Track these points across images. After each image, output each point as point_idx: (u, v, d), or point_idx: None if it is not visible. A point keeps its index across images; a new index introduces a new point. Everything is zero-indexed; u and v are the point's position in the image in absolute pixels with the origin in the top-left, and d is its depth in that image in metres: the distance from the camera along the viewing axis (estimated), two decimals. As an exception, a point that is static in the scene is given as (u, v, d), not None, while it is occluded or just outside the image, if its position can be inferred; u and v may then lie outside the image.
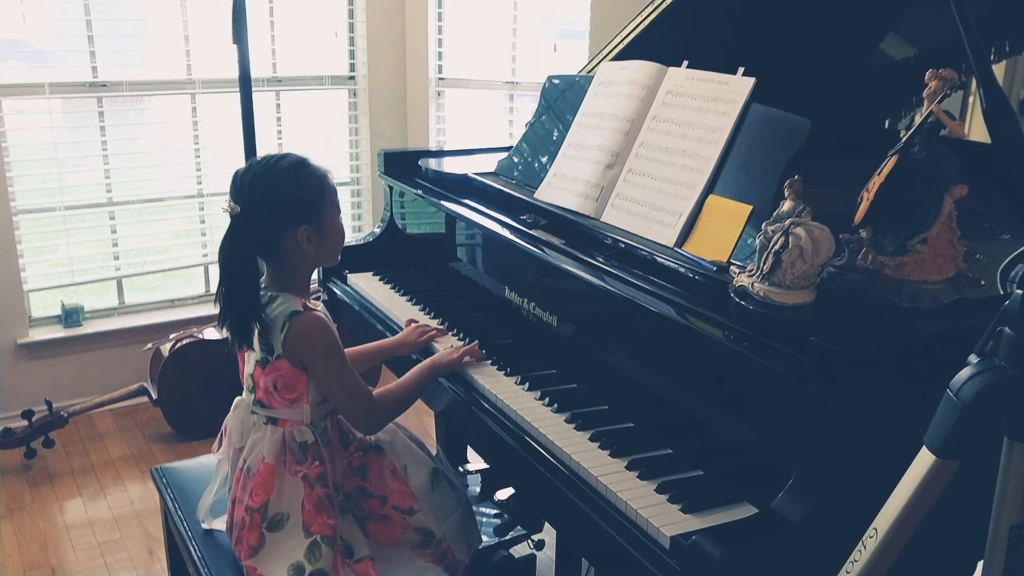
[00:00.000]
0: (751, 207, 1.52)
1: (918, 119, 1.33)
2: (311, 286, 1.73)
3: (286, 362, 1.54)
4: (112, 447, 3.21)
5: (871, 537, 0.89)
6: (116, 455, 3.16)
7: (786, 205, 1.33)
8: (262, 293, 1.56)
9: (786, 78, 1.71)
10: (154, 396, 3.19)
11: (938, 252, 1.30)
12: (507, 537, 2.23)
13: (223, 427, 1.69)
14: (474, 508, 2.19)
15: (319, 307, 1.62)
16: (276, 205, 1.55)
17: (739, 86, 1.64)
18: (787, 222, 1.30)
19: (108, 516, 2.79)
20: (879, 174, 1.32)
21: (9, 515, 2.78)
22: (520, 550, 2.27)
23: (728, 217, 1.56)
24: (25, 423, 3.02)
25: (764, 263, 1.31)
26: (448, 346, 1.83)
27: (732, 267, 1.46)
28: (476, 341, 1.80)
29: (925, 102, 1.32)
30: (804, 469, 1.19)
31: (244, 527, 1.56)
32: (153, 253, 3.60)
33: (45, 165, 3.37)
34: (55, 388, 3.26)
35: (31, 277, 3.35)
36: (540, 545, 2.27)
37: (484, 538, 1.93)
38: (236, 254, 1.54)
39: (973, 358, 0.83)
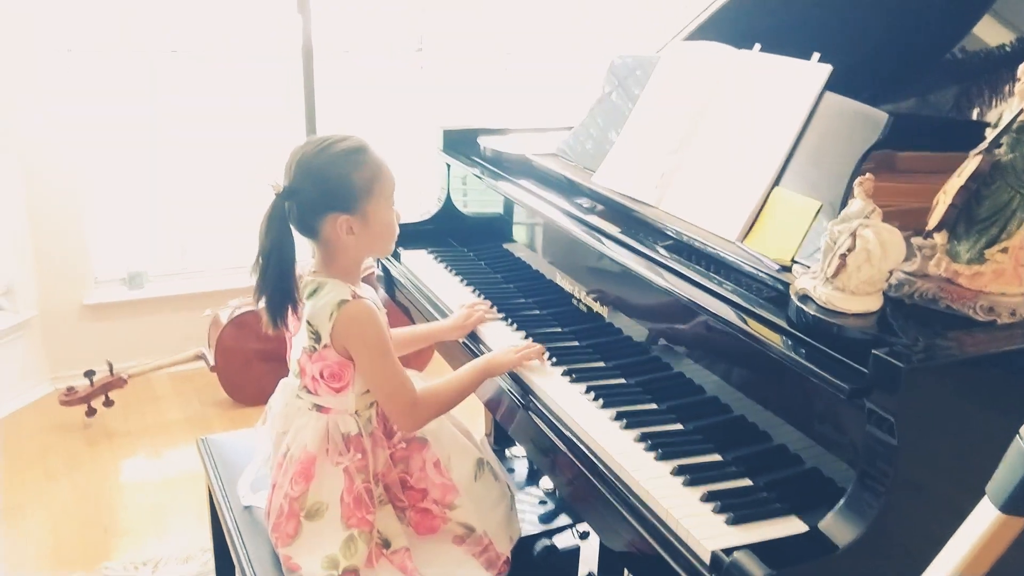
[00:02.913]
0: (820, 203, 1.43)
1: (1007, 116, 1.23)
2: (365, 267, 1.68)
3: (333, 351, 1.51)
4: (168, 410, 3.27)
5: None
6: (172, 418, 3.22)
7: (855, 204, 1.24)
8: (311, 278, 1.53)
9: (862, 62, 1.60)
10: (211, 362, 3.23)
11: (1020, 263, 1.20)
12: (551, 526, 2.19)
13: (268, 405, 1.68)
14: (519, 493, 2.16)
15: (370, 295, 1.59)
16: (319, 188, 1.50)
17: (813, 73, 1.55)
18: (855, 223, 1.22)
19: (161, 478, 2.84)
20: (958, 175, 1.22)
21: (68, 472, 2.85)
22: (564, 539, 2.23)
23: (794, 212, 1.47)
24: (87, 382, 3.09)
25: (828, 265, 1.23)
26: (497, 332, 1.78)
27: (796, 266, 1.38)
28: (542, 346, 1.71)
29: (1016, 98, 1.21)
30: (857, 489, 1.12)
31: (282, 514, 1.54)
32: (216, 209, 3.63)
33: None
34: (117, 349, 3.33)
35: (96, 237, 3.41)
36: (585, 535, 2.22)
37: (528, 526, 1.89)
38: (273, 231, 1.49)
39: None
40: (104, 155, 3.39)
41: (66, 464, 2.89)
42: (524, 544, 1.84)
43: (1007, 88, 2.21)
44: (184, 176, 3.53)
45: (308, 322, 1.52)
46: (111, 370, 3.12)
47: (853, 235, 1.21)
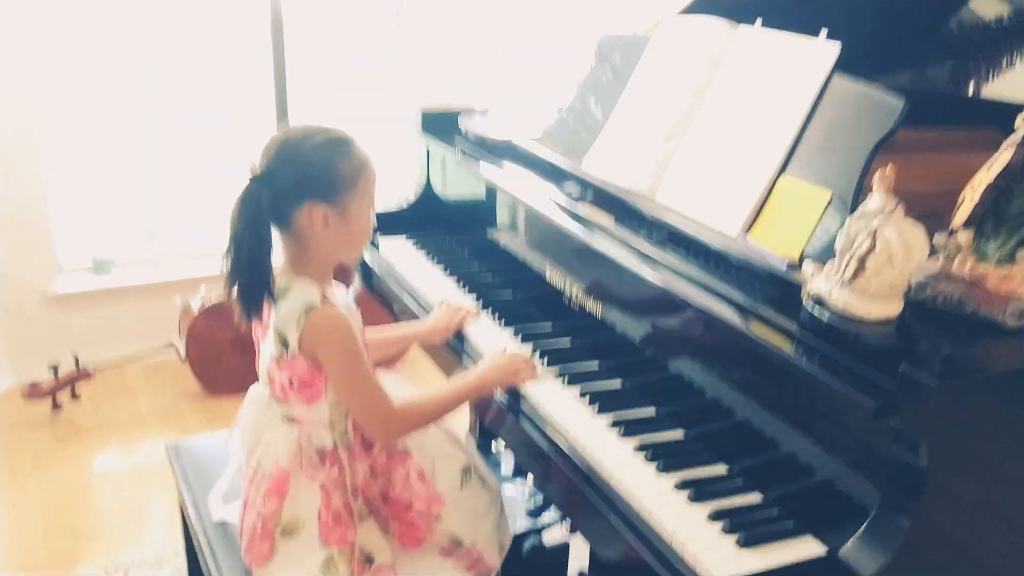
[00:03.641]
0: (830, 192, 1.34)
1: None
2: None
3: (302, 359, 1.41)
4: (139, 402, 3.15)
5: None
6: (143, 411, 3.10)
7: (874, 200, 1.14)
8: (279, 279, 1.42)
9: (857, 35, 1.50)
10: (183, 353, 3.11)
11: (1054, 263, 1.11)
12: (540, 522, 2.11)
13: (239, 412, 1.58)
14: (506, 486, 2.07)
15: (341, 297, 1.48)
16: (301, 173, 1.40)
17: (821, 51, 1.44)
18: (875, 221, 1.12)
19: (133, 475, 2.73)
20: (988, 169, 1.12)
21: (33, 471, 2.73)
22: (553, 535, 2.15)
23: (802, 203, 1.37)
24: (51, 376, 2.97)
25: (845, 268, 1.14)
26: (484, 330, 1.68)
27: (805, 263, 1.28)
28: (533, 362, 1.58)
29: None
30: (881, 514, 1.03)
31: (255, 533, 1.45)
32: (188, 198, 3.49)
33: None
34: (83, 340, 3.20)
35: (59, 222, 3.27)
36: (575, 528, 2.15)
37: (516, 524, 1.81)
38: (247, 216, 1.38)
39: None
40: (68, 136, 3.24)
41: (31, 462, 2.77)
42: (512, 543, 1.76)
43: (1004, 61, 2.13)
44: (152, 159, 3.39)
45: (275, 328, 1.42)
46: (77, 362, 2.99)
47: (873, 234, 1.11)
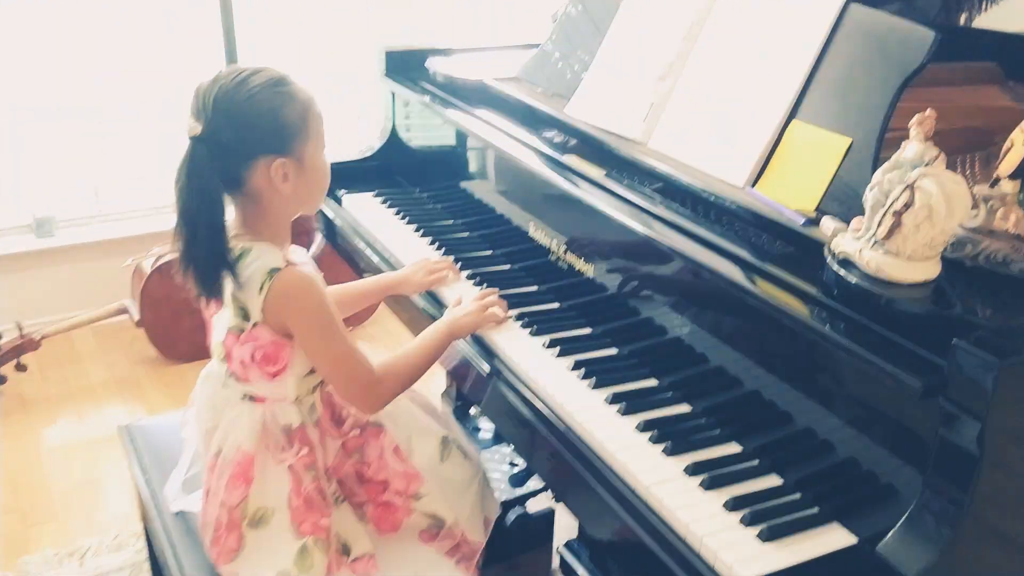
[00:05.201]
0: (850, 140, 1.20)
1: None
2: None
3: (267, 329, 1.27)
4: (92, 371, 2.97)
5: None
6: (97, 380, 2.92)
7: (911, 148, 1.01)
8: (232, 243, 1.27)
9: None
10: (136, 316, 2.92)
11: (1113, 216, 0.99)
12: (523, 490, 2.00)
13: (191, 396, 1.43)
14: (487, 452, 1.95)
15: (302, 257, 1.34)
16: (247, 129, 1.25)
17: (837, -22, 1.29)
18: (914, 173, 0.98)
19: (87, 449, 2.56)
20: (1042, 110, 0.99)
21: (-21, 448, 2.56)
22: (538, 502, 2.05)
23: (818, 151, 1.24)
24: (-6, 345, 2.77)
25: (880, 225, 1.00)
26: (463, 293, 1.54)
27: (824, 219, 1.14)
28: (497, 290, 1.51)
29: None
30: (925, 505, 0.92)
31: (220, 527, 1.31)
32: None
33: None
34: (26, 307, 2.99)
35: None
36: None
37: (496, 492, 1.70)
38: (196, 185, 1.24)
39: None
40: (2, 86, 2.98)
41: (-23, 439, 2.60)
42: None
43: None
44: (94, 109, 3.14)
45: (233, 298, 1.28)
46: (20, 330, 2.80)
47: (911, 188, 0.98)
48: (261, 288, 1.25)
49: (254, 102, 1.25)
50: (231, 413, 1.34)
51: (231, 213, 1.31)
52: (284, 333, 1.29)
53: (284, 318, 1.27)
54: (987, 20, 1.98)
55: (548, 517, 2.05)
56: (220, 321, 1.33)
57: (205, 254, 1.26)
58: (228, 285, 1.28)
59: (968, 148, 1.36)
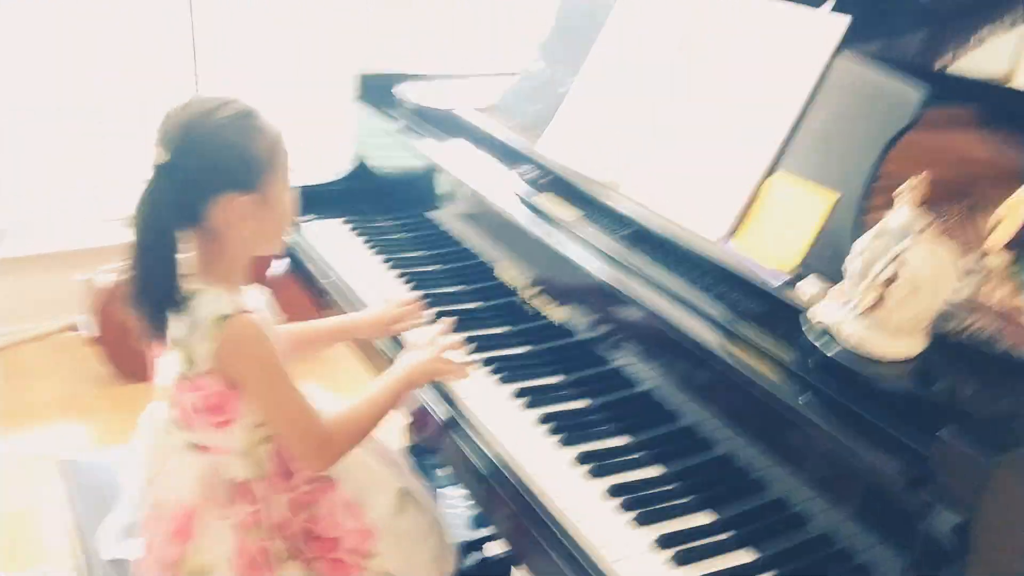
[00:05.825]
0: (838, 195, 1.15)
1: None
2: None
3: (215, 378, 1.21)
4: (39, 389, 2.85)
5: None
6: (43, 399, 2.80)
7: (900, 215, 0.96)
8: (183, 283, 1.21)
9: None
10: (93, 332, 2.82)
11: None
12: (481, 533, 1.93)
13: (131, 440, 1.35)
14: (444, 492, 1.88)
15: (255, 302, 1.27)
16: (211, 162, 1.20)
17: (826, 25, 1.25)
18: (902, 244, 0.93)
19: (30, 478, 2.43)
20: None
21: (-86, 473, 2.43)
22: (497, 546, 1.98)
23: (801, 205, 1.19)
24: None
25: (863, 297, 0.95)
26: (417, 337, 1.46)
27: (804, 281, 1.09)
28: (451, 327, 1.44)
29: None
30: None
31: (157, 583, 1.24)
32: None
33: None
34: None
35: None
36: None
37: (457, 533, 1.63)
38: (154, 217, 1.19)
39: None
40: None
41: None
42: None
43: (972, 38, 1.98)
44: (45, 114, 3.03)
45: (179, 344, 1.22)
46: (-37, 347, 2.69)
47: (896, 260, 0.93)
48: (209, 335, 1.19)
49: (221, 132, 1.20)
50: (173, 462, 1.28)
51: (189, 250, 1.25)
52: (232, 383, 1.22)
53: (233, 369, 1.21)
54: (966, 64, 1.97)
55: (508, 561, 1.99)
56: (165, 365, 1.26)
57: (153, 291, 1.21)
58: (175, 327, 1.22)
59: (948, 198, 1.33)
